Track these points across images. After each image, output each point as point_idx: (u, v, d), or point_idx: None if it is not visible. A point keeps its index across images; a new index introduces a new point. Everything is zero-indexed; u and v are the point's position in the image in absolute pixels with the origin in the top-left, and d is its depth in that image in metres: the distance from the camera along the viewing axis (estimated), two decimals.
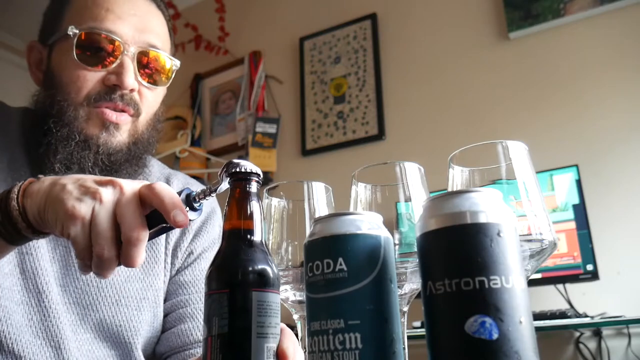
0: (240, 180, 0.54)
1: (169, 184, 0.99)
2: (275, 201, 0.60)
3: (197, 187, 1.02)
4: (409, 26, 2.41)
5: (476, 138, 0.56)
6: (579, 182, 1.70)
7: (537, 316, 1.51)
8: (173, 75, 0.93)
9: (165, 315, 0.93)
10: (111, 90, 0.84)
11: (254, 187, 0.54)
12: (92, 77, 0.84)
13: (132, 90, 0.85)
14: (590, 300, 1.72)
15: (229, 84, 2.84)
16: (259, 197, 0.54)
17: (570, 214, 1.69)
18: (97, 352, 0.85)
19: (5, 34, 3.18)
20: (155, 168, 1.02)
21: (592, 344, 1.70)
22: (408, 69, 2.36)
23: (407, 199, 0.55)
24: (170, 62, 0.92)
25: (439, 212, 0.39)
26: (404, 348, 0.43)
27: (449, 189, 0.53)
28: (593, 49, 1.99)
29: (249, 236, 0.52)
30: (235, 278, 0.50)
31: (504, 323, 0.35)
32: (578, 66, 2.00)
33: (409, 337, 0.59)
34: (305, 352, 0.54)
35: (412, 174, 0.56)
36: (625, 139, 1.86)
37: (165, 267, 0.94)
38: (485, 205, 0.38)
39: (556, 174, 1.74)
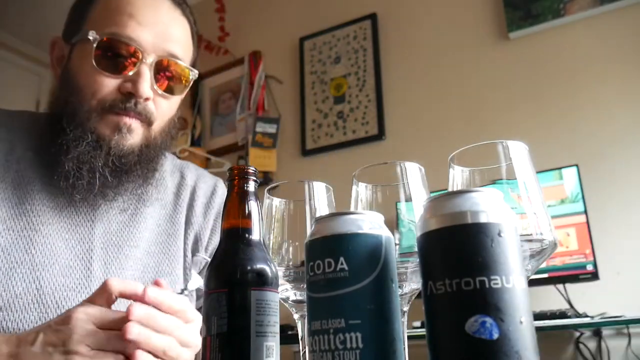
0: (237, 179, 0.54)
1: (183, 177, 1.02)
2: (276, 201, 0.60)
3: (209, 178, 1.05)
4: (409, 26, 2.41)
5: (476, 138, 0.56)
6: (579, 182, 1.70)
7: (537, 316, 1.50)
8: (190, 84, 0.92)
9: None
10: (126, 98, 0.83)
11: (251, 186, 0.54)
12: (108, 83, 0.83)
13: (146, 99, 0.85)
14: (590, 300, 1.72)
15: (229, 84, 2.84)
16: (257, 196, 0.54)
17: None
18: None
19: (6, 34, 3.18)
20: (168, 162, 1.02)
21: (592, 344, 1.70)
22: (408, 69, 2.36)
23: (408, 199, 0.55)
24: (188, 72, 0.91)
25: (439, 212, 0.39)
26: (404, 348, 0.43)
27: (449, 189, 0.53)
28: (593, 49, 1.99)
29: (247, 235, 0.52)
30: (233, 277, 0.49)
31: (505, 323, 0.35)
32: (578, 66, 2.00)
33: (409, 337, 0.59)
34: (306, 352, 0.54)
35: (413, 173, 0.56)
36: (625, 139, 1.86)
37: (185, 253, 0.96)
38: (486, 205, 0.38)
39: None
